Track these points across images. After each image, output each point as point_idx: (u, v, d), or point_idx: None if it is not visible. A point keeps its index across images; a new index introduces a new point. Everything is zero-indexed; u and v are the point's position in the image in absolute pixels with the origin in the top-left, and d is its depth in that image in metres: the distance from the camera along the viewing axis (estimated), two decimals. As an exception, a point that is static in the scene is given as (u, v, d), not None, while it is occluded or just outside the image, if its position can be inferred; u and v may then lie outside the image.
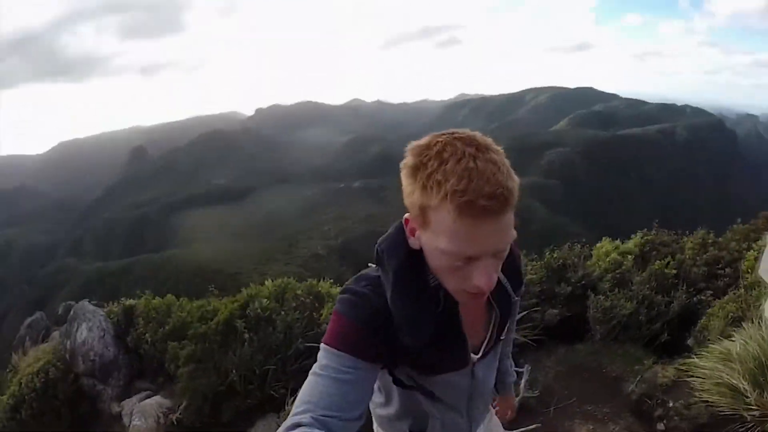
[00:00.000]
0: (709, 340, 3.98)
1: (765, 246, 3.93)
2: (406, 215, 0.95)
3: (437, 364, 1.07)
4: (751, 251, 4.71)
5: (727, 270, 4.98)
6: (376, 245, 1.02)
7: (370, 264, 1.07)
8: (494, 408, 1.59)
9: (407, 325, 0.96)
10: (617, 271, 4.90)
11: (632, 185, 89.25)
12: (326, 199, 75.04)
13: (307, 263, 44.60)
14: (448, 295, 0.97)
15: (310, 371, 0.94)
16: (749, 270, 4.46)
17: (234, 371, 4.20)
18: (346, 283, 1.06)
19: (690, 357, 3.72)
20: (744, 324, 3.47)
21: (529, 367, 4.18)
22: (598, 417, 3.98)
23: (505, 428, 1.69)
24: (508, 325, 1.19)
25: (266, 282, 4.99)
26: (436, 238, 0.86)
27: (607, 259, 5.11)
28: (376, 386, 1.22)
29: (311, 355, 4.32)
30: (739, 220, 5.99)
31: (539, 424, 3.76)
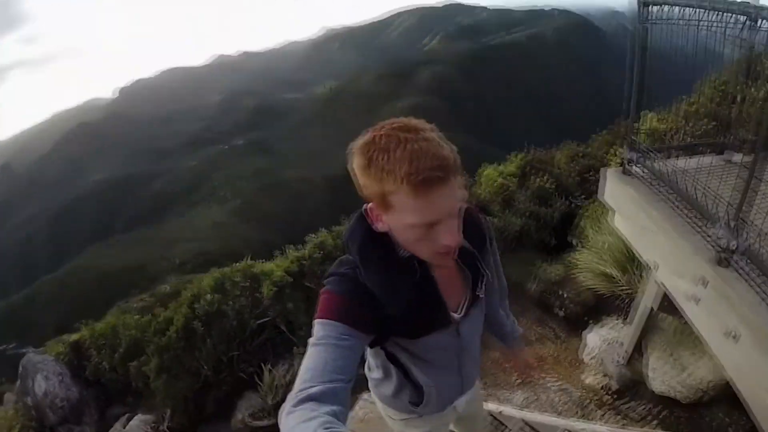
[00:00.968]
0: (585, 237, 4.76)
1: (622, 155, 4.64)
2: (367, 206, 1.05)
3: (422, 326, 1.17)
4: (615, 157, 5.45)
5: (596, 176, 5.64)
6: (343, 238, 1.14)
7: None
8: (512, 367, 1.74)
9: (384, 295, 1.07)
10: (504, 194, 5.50)
11: (511, 92, 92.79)
12: (213, 164, 70.76)
13: (211, 235, 42.34)
14: (422, 263, 1.09)
15: (309, 344, 1.01)
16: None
17: (204, 367, 4.55)
18: (328, 270, 1.15)
19: (573, 254, 4.46)
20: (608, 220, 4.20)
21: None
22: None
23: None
24: (484, 282, 1.28)
25: (204, 279, 5.16)
26: (401, 216, 0.97)
27: (494, 185, 5.67)
28: (375, 365, 1.38)
29: (263, 332, 4.79)
30: (601, 129, 6.69)
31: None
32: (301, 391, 0.88)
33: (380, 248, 1.07)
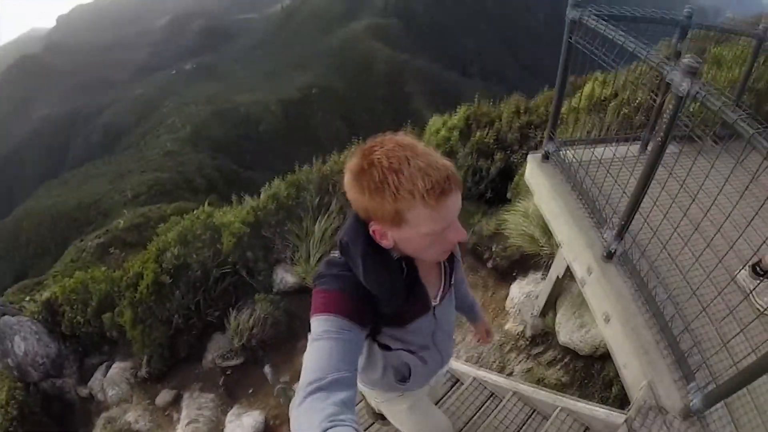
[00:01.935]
0: (520, 194, 5.05)
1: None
2: (372, 227, 1.08)
3: (409, 314, 1.29)
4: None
5: (537, 132, 5.86)
6: (339, 239, 1.18)
7: (333, 252, 1.22)
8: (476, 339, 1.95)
9: (385, 295, 1.14)
10: (446, 146, 5.65)
11: (466, 11, 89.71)
12: (162, 92, 65.83)
13: (163, 164, 40.26)
14: (408, 262, 1.19)
15: (310, 340, 1.03)
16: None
17: (175, 316, 4.96)
18: (318, 272, 1.19)
19: (507, 210, 4.75)
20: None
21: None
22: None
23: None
24: (455, 269, 1.41)
25: (169, 233, 5.35)
26: (417, 228, 1.03)
27: (438, 136, 5.78)
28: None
29: (225, 279, 5.21)
30: (546, 86, 6.78)
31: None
32: (309, 384, 0.89)
33: (379, 254, 1.13)
